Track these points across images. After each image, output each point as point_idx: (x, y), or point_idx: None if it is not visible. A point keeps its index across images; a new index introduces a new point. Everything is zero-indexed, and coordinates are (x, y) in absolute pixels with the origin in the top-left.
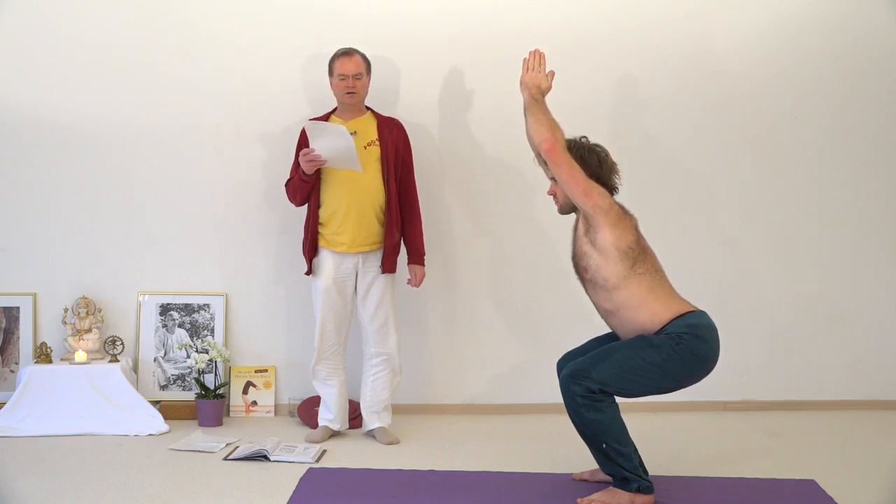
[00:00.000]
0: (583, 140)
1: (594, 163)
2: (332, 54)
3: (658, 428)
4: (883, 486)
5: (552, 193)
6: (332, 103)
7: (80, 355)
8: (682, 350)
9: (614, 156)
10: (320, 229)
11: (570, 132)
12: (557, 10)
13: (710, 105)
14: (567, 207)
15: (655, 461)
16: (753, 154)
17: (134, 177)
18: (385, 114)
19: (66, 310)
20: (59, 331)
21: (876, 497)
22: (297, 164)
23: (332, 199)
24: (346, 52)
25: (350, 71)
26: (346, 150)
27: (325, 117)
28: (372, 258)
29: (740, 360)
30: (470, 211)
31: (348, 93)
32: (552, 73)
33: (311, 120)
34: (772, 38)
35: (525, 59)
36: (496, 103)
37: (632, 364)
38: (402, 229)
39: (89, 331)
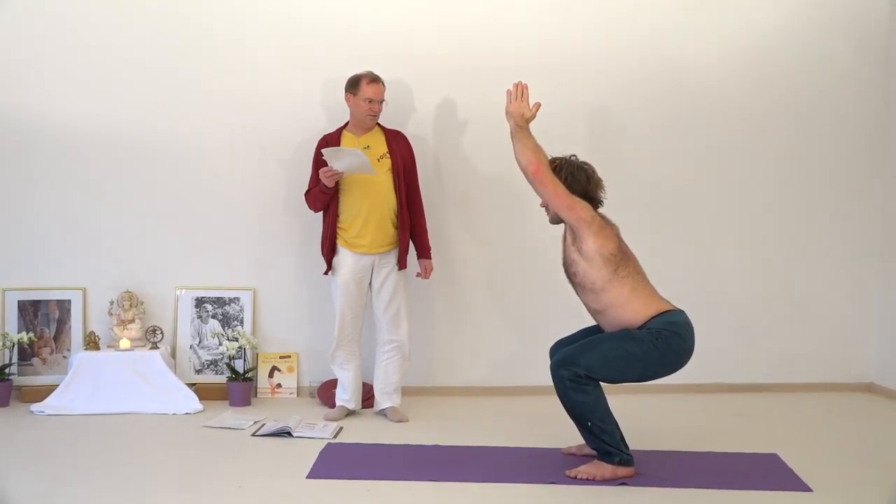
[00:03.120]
0: (572, 158)
1: (583, 179)
2: (353, 73)
3: (638, 408)
4: (837, 458)
5: (544, 206)
6: (347, 116)
7: (125, 343)
8: (661, 344)
9: (600, 172)
10: (340, 233)
11: (552, 146)
12: (545, 30)
13: (681, 117)
14: (556, 219)
15: (636, 437)
16: (722, 163)
17: (172, 185)
18: (392, 127)
19: (111, 303)
20: (106, 321)
21: (831, 468)
22: (315, 176)
23: (353, 207)
24: (375, 80)
25: (377, 97)
26: (363, 167)
27: (338, 131)
28: (387, 256)
29: (712, 347)
30: (469, 216)
31: (371, 115)
32: (538, 105)
33: (323, 139)
34: (740, 54)
35: (509, 90)
36: (489, 116)
37: (615, 354)
38: (411, 230)
39: (132, 321)
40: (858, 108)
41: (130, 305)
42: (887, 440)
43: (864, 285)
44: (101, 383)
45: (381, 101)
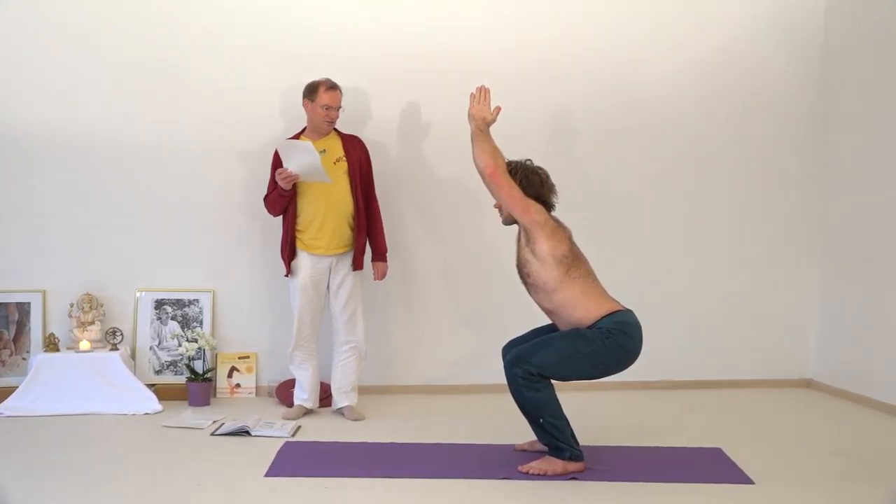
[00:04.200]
0: (527, 162)
1: (536, 183)
2: (311, 80)
3: (588, 405)
4: (778, 452)
5: (497, 207)
6: (305, 121)
7: (84, 344)
8: (610, 343)
9: (554, 176)
10: (298, 235)
11: (510, 149)
12: (506, 44)
13: (632, 124)
14: (509, 220)
15: (586, 433)
16: (670, 169)
17: (132, 188)
18: (352, 131)
19: (71, 305)
20: (66, 323)
21: (772, 461)
22: (273, 181)
23: (310, 209)
24: (333, 87)
25: (334, 104)
26: (314, 165)
27: (296, 137)
28: (344, 258)
29: (661, 346)
30: (425, 218)
31: (328, 121)
32: (498, 109)
33: (283, 141)
34: (689, 67)
35: (472, 93)
36: (448, 120)
37: (567, 353)
38: (367, 232)
39: (92, 323)
40: (797, 116)
41: (90, 307)
42: (825, 434)
43: (803, 286)
44: (61, 385)
45: (338, 108)
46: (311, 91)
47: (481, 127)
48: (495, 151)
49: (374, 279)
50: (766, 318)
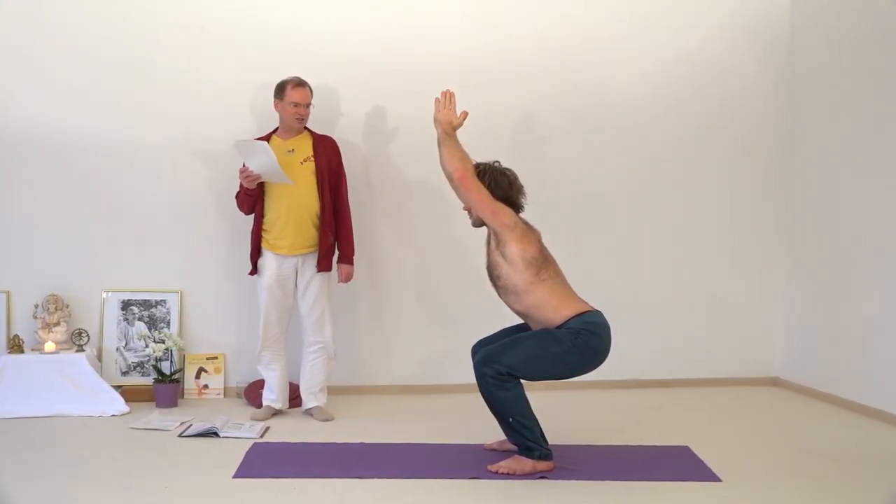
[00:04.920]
0: (495, 164)
1: (505, 185)
2: (279, 80)
3: (557, 404)
4: (745, 450)
5: (467, 210)
6: (274, 123)
7: (50, 346)
8: (580, 343)
9: (521, 176)
10: (264, 234)
11: (478, 152)
12: (473, 39)
13: (600, 126)
14: (479, 222)
15: (555, 432)
16: (637, 169)
17: (98, 187)
18: (321, 131)
19: (36, 306)
20: (31, 324)
21: (739, 459)
22: None
23: (274, 209)
24: (300, 84)
25: (303, 100)
26: (271, 165)
27: (268, 136)
28: (310, 259)
29: (628, 345)
30: (395, 219)
31: (298, 118)
32: (465, 114)
33: (239, 141)
34: (656, 69)
35: (437, 98)
36: (418, 121)
37: (536, 353)
38: (335, 233)
39: (58, 324)
40: (763, 117)
41: (55, 308)
42: (791, 431)
43: (769, 285)
44: (26, 386)
45: (308, 105)
46: (280, 90)
47: (448, 131)
48: (463, 155)
49: (338, 282)
50: (732, 317)
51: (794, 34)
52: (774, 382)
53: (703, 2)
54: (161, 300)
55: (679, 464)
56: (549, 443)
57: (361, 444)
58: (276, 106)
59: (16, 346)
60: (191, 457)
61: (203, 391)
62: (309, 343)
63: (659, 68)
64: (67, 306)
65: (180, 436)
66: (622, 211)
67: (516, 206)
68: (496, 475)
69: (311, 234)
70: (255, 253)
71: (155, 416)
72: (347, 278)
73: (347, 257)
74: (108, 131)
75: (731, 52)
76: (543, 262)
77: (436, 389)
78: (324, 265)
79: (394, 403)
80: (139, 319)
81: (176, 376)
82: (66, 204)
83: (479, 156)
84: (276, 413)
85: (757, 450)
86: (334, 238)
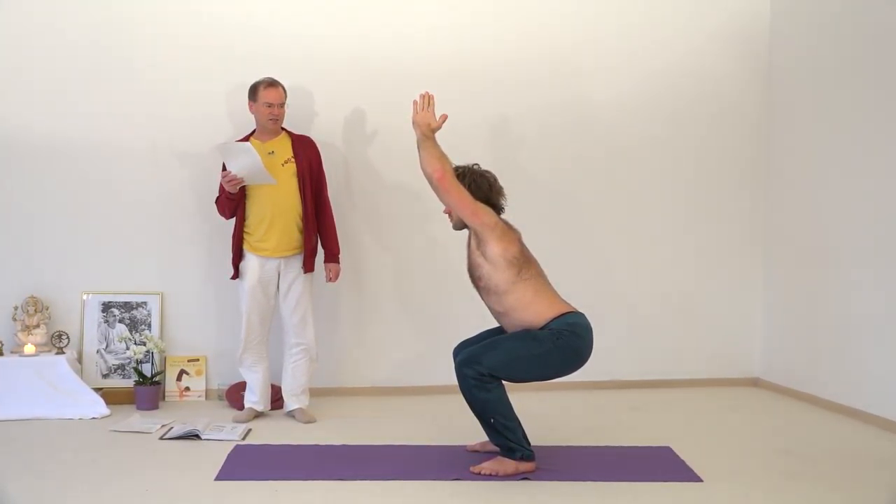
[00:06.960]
0: (475, 167)
1: (485, 186)
2: (253, 82)
3: (539, 405)
4: (726, 450)
5: (447, 212)
6: (253, 125)
7: (29, 348)
8: (561, 344)
9: (502, 180)
10: (246, 237)
11: (456, 154)
12: (451, 40)
13: (577, 128)
14: (459, 224)
15: (537, 433)
16: (615, 170)
17: (78, 188)
18: (298, 132)
19: (15, 308)
20: (10, 327)
21: (720, 459)
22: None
23: (257, 211)
24: (273, 84)
25: (276, 100)
26: (255, 166)
27: (246, 139)
28: (293, 261)
29: (608, 346)
30: (375, 221)
31: (272, 119)
32: (444, 117)
33: (220, 143)
34: (632, 70)
35: (415, 100)
36: (397, 123)
37: (518, 354)
38: (318, 234)
39: (37, 326)
40: (740, 118)
41: (35, 310)
42: (772, 432)
43: (749, 286)
44: (6, 389)
45: (282, 105)
46: (253, 91)
47: (427, 133)
48: (443, 157)
49: (327, 281)
50: (712, 317)
51: (774, 42)
52: (755, 383)
53: (684, 11)
54: (142, 302)
55: (661, 464)
56: (532, 444)
57: (344, 445)
58: (250, 108)
59: None
60: (172, 459)
61: (185, 393)
62: (291, 345)
63: (632, 67)
64: (47, 308)
65: (161, 438)
66: (602, 213)
67: (496, 208)
68: (479, 476)
69: (295, 235)
70: (237, 257)
71: (136, 419)
72: (336, 276)
73: (334, 256)
74: (87, 133)
75: (708, 51)
76: (525, 262)
77: (418, 391)
78: (308, 266)
79: (376, 405)
80: (120, 321)
81: (157, 378)
82: (46, 205)
83: (457, 160)
84: (258, 415)
85: (738, 450)
86: (317, 239)
